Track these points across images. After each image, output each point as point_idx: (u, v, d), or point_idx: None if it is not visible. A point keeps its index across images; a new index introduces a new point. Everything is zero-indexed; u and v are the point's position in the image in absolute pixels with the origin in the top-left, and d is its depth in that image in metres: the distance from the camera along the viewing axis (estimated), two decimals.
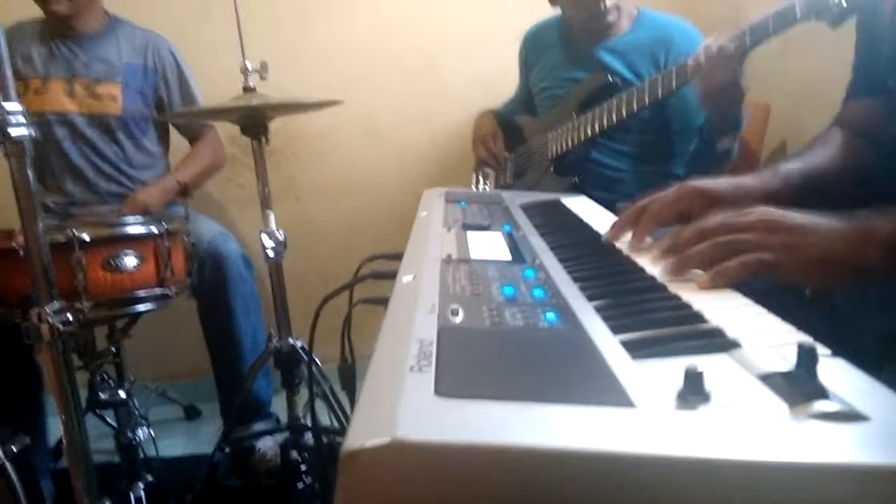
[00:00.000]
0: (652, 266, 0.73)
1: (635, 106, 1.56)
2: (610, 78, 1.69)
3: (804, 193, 0.90)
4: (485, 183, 2.02)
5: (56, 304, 1.14)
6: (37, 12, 1.90)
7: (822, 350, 0.45)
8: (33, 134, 1.10)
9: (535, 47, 1.95)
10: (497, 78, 2.11)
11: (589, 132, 1.67)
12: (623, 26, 1.75)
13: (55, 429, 1.72)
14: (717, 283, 0.64)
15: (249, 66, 1.57)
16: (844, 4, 1.17)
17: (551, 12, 1.87)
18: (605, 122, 1.63)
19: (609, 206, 1.18)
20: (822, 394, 0.39)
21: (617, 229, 0.85)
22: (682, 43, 1.64)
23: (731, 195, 0.86)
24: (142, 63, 2.00)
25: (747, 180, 0.89)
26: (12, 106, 1.08)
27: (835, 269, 0.63)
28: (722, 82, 1.38)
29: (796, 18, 1.27)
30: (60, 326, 1.13)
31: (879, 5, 0.94)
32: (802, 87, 1.92)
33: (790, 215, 0.67)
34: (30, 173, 1.11)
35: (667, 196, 0.84)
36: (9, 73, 1.08)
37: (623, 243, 0.85)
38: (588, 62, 1.75)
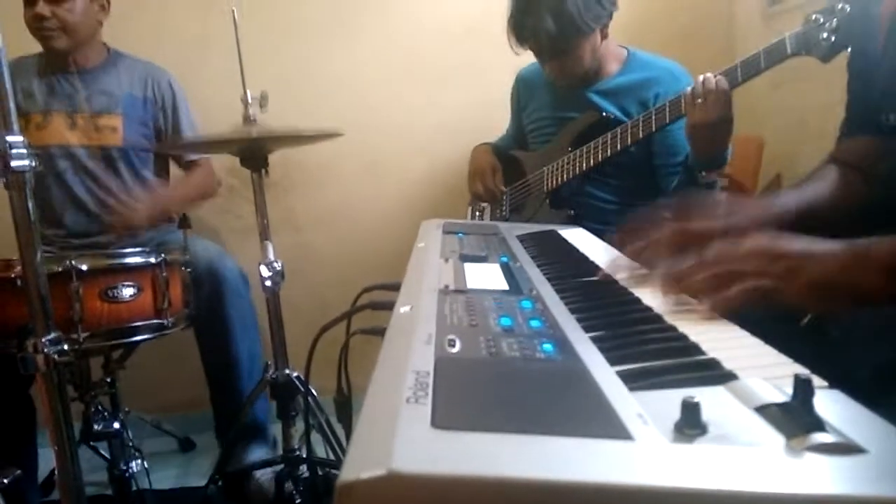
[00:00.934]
0: (649, 297, 0.73)
1: (629, 140, 1.58)
2: (603, 113, 1.72)
3: (798, 226, 0.91)
4: (480, 217, 2.04)
5: (52, 335, 1.14)
6: (37, 47, 1.93)
7: (818, 382, 0.45)
8: (34, 165, 1.11)
9: (527, 87, 1.98)
10: (496, 111, 2.13)
11: (584, 166, 1.69)
12: (613, 69, 1.78)
13: (47, 460, 1.70)
14: (716, 313, 0.64)
15: (250, 96, 1.59)
16: (834, 39, 1.19)
17: None
18: (599, 156, 1.65)
19: (604, 237, 1.19)
20: (819, 426, 0.39)
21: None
22: (669, 83, 1.67)
23: (725, 231, 0.85)
24: (142, 95, 2.02)
25: (743, 214, 0.89)
26: (14, 138, 1.09)
27: (832, 294, 0.64)
28: (715, 117, 1.40)
29: (787, 53, 1.30)
30: (56, 357, 1.13)
31: (870, 43, 0.96)
32: (796, 122, 1.94)
33: (787, 242, 0.67)
34: (30, 204, 1.12)
35: (663, 232, 0.81)
36: (12, 105, 1.09)
37: (619, 274, 0.85)
38: (580, 104, 1.78)
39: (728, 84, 1.39)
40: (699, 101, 1.41)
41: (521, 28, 1.69)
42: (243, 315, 1.87)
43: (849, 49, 1.15)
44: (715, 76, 1.40)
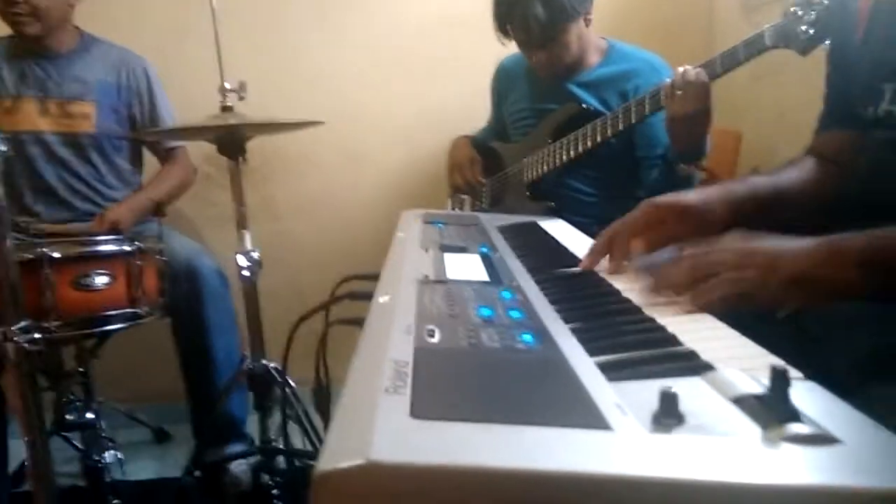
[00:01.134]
0: (628, 289, 0.73)
1: (609, 132, 1.58)
2: (583, 105, 1.72)
3: (770, 207, 0.92)
4: (460, 209, 2.03)
5: (23, 323, 1.11)
6: (6, 31, 1.88)
7: (794, 373, 0.46)
8: (4, 150, 1.09)
9: (507, 78, 1.98)
10: (477, 102, 2.13)
11: (563, 158, 1.69)
12: (593, 60, 1.78)
13: (17, 452, 1.67)
14: (694, 308, 0.65)
15: (228, 85, 1.57)
16: (812, 32, 1.20)
17: None
18: (579, 148, 1.65)
19: (584, 229, 1.19)
20: (795, 417, 0.39)
21: (592, 256, 0.86)
22: (648, 75, 1.67)
23: (696, 209, 0.87)
24: (115, 81, 1.98)
25: (713, 192, 0.91)
26: None
27: (806, 289, 0.65)
28: (694, 109, 1.41)
29: (765, 46, 1.31)
30: (27, 346, 1.11)
31: (849, 36, 0.96)
32: (774, 115, 1.96)
33: (761, 243, 0.68)
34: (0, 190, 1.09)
35: (632, 216, 0.85)
36: None
37: (599, 267, 0.86)
38: (560, 96, 1.78)
39: (707, 76, 1.40)
40: (678, 93, 1.41)
41: (509, 17, 1.68)
42: (221, 316, 1.84)
43: (827, 42, 1.17)
44: (694, 68, 1.41)
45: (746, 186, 0.94)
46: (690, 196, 0.89)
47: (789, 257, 0.66)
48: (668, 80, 1.44)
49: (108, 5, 2.15)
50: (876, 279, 0.64)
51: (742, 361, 0.50)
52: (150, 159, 2.15)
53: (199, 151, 2.18)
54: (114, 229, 1.76)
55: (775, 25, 1.28)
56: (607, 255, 0.85)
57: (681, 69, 1.42)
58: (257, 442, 1.69)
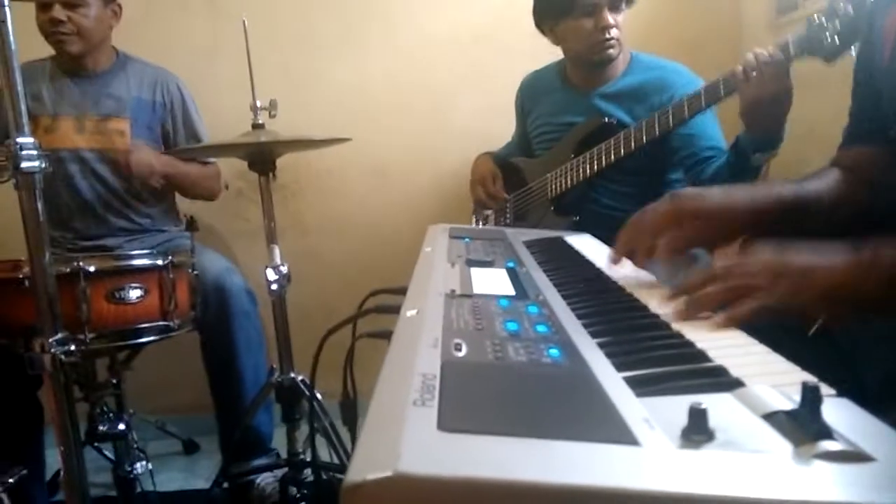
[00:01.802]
0: (656, 304, 0.73)
1: (644, 139, 1.55)
2: (605, 119, 1.71)
3: (794, 216, 0.90)
4: (485, 225, 2.04)
5: (59, 335, 1.14)
6: (47, 51, 1.94)
7: (826, 389, 0.45)
8: (45, 166, 1.12)
9: (532, 93, 1.98)
10: (502, 119, 2.14)
11: (588, 172, 1.68)
12: (618, 70, 1.77)
13: (52, 461, 1.71)
14: (727, 326, 0.64)
15: (259, 103, 1.60)
16: (838, 42, 1.19)
17: (551, 57, 1.90)
18: (603, 161, 1.64)
19: (610, 244, 1.18)
20: (827, 434, 0.39)
21: (618, 248, 0.86)
22: (681, 85, 1.65)
23: (719, 211, 0.86)
24: (150, 98, 2.03)
25: (739, 195, 0.89)
26: (25, 139, 1.10)
27: (839, 305, 0.64)
28: (775, 89, 1.35)
29: (790, 56, 1.29)
30: (63, 357, 1.13)
31: (875, 55, 0.95)
32: (804, 129, 1.93)
33: (793, 256, 0.67)
34: (39, 205, 1.12)
35: (656, 211, 0.85)
36: (23, 107, 1.11)
37: (625, 279, 0.85)
38: (584, 109, 1.78)
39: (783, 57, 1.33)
40: (754, 74, 1.35)
41: None
42: (249, 334, 1.85)
43: (853, 52, 1.15)
44: (768, 49, 1.35)
45: (771, 191, 0.92)
46: (715, 196, 0.88)
47: (824, 271, 0.65)
48: (740, 66, 1.38)
49: (144, 27, 2.22)
50: None
51: (773, 377, 0.50)
52: None
53: (231, 168, 2.22)
54: (149, 169, 1.88)
55: (799, 36, 1.26)
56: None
57: (751, 54, 1.36)
58: (284, 454, 1.70)
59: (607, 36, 1.67)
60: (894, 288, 0.63)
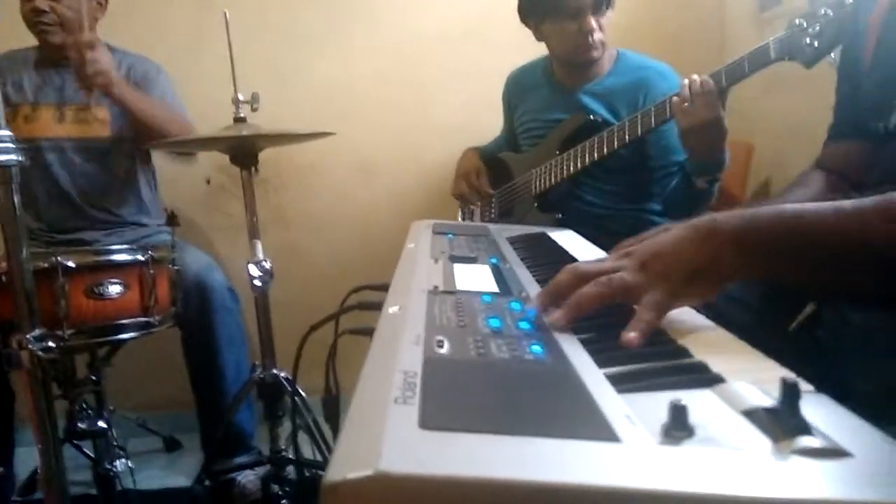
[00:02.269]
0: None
1: (616, 143, 1.57)
2: (590, 116, 1.72)
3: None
4: (470, 220, 2.03)
5: (37, 331, 1.12)
6: (31, 41, 1.92)
7: (805, 386, 0.45)
8: (21, 160, 1.10)
9: (518, 89, 1.98)
10: (488, 114, 2.14)
11: (571, 169, 1.69)
12: (604, 68, 1.78)
13: (27, 460, 1.68)
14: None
15: (241, 96, 1.59)
16: (817, 45, 1.20)
17: (537, 52, 1.90)
18: (586, 159, 1.65)
19: (593, 241, 1.19)
20: (806, 430, 0.39)
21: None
22: (659, 85, 1.67)
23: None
24: (129, 84, 2.00)
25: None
26: (1, 132, 1.08)
27: (700, 278, 0.62)
28: (704, 119, 1.40)
29: (770, 59, 1.30)
30: (41, 353, 1.12)
31: (859, 51, 0.96)
32: (786, 127, 1.95)
33: (647, 244, 0.66)
34: (16, 199, 1.11)
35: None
36: None
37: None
38: (570, 105, 1.78)
39: (715, 86, 1.39)
40: (686, 104, 1.40)
41: None
42: (231, 331, 1.84)
43: (832, 55, 1.16)
44: (700, 77, 1.40)
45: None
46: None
47: (664, 247, 0.64)
48: (676, 94, 1.43)
49: (127, 19, 2.18)
50: (757, 259, 0.62)
51: (752, 374, 0.50)
52: (162, 167, 2.17)
53: (213, 162, 2.20)
54: (102, 78, 1.71)
55: (780, 38, 1.27)
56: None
57: (686, 80, 1.42)
58: (267, 451, 1.69)
59: (590, 40, 1.68)
60: (736, 251, 0.62)
